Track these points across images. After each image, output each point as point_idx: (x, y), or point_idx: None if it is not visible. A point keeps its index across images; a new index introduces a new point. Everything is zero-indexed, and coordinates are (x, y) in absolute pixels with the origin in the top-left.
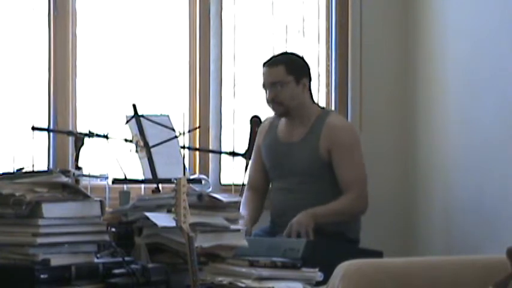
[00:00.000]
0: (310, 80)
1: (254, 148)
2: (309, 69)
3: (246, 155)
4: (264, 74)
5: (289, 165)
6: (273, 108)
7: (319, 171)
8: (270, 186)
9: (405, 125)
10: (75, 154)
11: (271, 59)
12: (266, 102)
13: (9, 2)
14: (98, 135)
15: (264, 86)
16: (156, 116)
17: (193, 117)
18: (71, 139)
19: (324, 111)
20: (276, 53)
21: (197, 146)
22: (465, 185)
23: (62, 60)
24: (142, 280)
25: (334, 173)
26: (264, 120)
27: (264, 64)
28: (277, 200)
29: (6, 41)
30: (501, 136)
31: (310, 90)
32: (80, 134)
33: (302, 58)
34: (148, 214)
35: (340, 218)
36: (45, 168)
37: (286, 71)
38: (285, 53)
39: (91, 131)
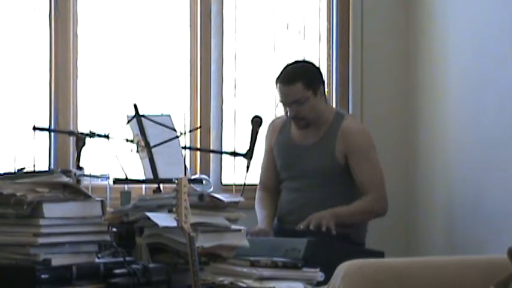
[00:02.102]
0: (324, 83)
1: (265, 147)
2: (321, 74)
3: (247, 155)
4: (281, 92)
5: (302, 167)
6: (295, 123)
7: (333, 174)
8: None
9: (406, 125)
10: (76, 154)
11: (286, 74)
12: (285, 115)
13: (10, 2)
14: (99, 135)
15: (282, 102)
16: (157, 116)
17: (194, 117)
18: (72, 139)
19: (339, 114)
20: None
21: (198, 146)
22: (466, 185)
23: (63, 60)
24: (143, 280)
25: (351, 176)
26: (275, 119)
27: (279, 80)
28: (286, 199)
29: (7, 41)
30: (502, 136)
31: (324, 93)
32: (81, 134)
33: (313, 65)
34: (149, 214)
35: (360, 219)
36: (46, 168)
37: (304, 87)
38: (297, 64)
39: (92, 131)
